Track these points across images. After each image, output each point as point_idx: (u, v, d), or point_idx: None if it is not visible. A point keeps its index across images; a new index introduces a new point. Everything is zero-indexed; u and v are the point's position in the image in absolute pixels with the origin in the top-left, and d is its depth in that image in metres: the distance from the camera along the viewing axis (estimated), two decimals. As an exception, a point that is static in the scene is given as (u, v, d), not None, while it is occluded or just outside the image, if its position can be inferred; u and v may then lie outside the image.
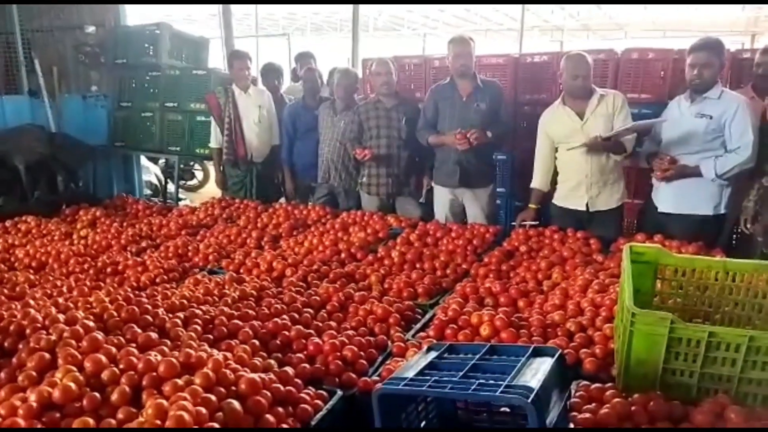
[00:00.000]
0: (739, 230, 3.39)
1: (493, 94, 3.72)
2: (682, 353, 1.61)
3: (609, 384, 1.74)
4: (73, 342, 1.69)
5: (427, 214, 3.99)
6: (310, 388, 1.73)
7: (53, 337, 1.72)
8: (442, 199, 3.92)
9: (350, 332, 2.14)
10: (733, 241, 3.63)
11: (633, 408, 1.57)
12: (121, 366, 1.59)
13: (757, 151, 3.03)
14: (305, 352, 2.00)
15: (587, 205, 3.41)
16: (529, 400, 1.24)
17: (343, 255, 3.12)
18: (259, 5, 12.75)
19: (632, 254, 1.91)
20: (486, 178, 3.85)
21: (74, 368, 1.55)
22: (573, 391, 1.70)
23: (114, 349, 1.66)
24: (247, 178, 4.66)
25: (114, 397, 1.49)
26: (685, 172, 3.12)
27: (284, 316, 2.20)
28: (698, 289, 1.95)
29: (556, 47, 15.77)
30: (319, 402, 1.67)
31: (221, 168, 4.76)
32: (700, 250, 2.79)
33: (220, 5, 7.04)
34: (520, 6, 10.40)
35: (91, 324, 1.83)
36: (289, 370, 1.78)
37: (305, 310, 2.31)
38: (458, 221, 3.80)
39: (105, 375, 1.55)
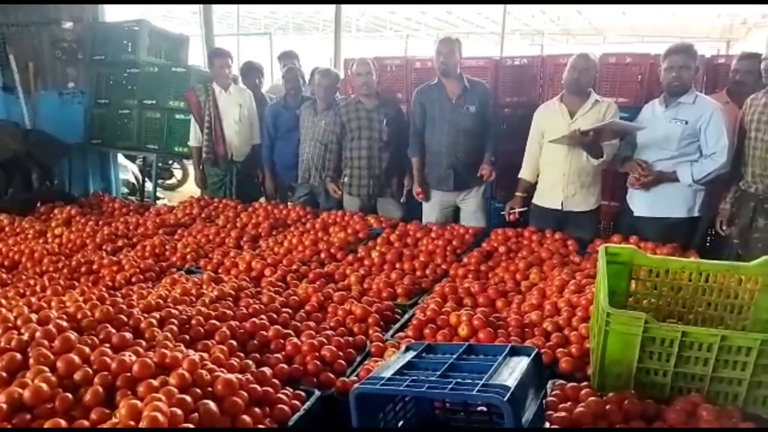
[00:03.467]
0: (714, 232, 3.47)
1: (481, 95, 3.73)
2: (656, 353, 1.63)
3: (584, 383, 1.76)
4: (46, 342, 1.66)
5: (408, 215, 3.99)
6: (287, 388, 1.72)
7: (25, 337, 1.68)
8: (434, 202, 3.90)
9: (329, 332, 2.13)
10: (708, 243, 3.71)
11: (608, 407, 1.59)
12: (94, 366, 1.56)
13: (732, 155, 3.10)
14: (283, 353, 1.99)
15: (562, 203, 3.45)
16: (506, 399, 1.25)
17: (322, 255, 3.11)
18: (240, 4, 12.67)
19: (607, 255, 1.94)
20: (478, 178, 3.84)
21: (46, 369, 1.52)
22: (549, 390, 1.72)
23: (87, 350, 1.63)
24: (227, 177, 4.62)
25: (87, 397, 1.46)
26: (663, 178, 3.17)
27: (262, 316, 2.18)
28: (672, 290, 1.98)
29: (536, 51, 15.92)
30: (296, 402, 1.66)
31: (201, 167, 4.71)
32: (674, 251, 2.83)
33: (201, 3, 6.98)
34: (501, 9, 10.49)
35: (65, 324, 1.80)
36: (267, 370, 1.76)
37: (284, 310, 2.30)
38: (450, 223, 3.78)
39: (78, 375, 1.53)
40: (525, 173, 3.61)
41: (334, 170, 4.11)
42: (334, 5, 7.28)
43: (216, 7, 8.03)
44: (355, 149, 3.96)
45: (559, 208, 3.47)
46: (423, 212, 3.99)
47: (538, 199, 3.60)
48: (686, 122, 3.09)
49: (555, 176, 3.45)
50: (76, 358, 1.57)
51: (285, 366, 1.88)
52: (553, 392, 1.71)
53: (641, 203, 3.31)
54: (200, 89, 4.54)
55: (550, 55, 4.48)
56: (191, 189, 7.60)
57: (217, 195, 4.50)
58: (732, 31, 17.26)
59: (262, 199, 4.65)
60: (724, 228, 3.30)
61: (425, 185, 3.88)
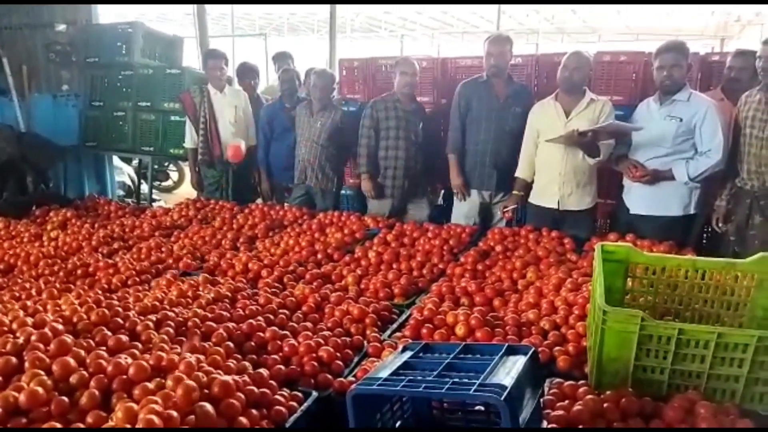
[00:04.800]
0: (710, 229, 3.48)
1: (526, 98, 3.75)
2: (653, 350, 1.64)
3: (582, 381, 1.76)
4: (41, 345, 1.65)
5: (437, 217, 4.02)
6: (285, 389, 1.72)
7: (20, 341, 1.67)
8: (471, 201, 3.87)
9: (326, 333, 2.13)
10: (704, 240, 3.72)
11: (605, 405, 1.59)
12: (90, 369, 1.55)
13: (728, 152, 3.11)
14: (280, 354, 1.98)
15: (558, 202, 3.45)
16: (502, 399, 1.25)
17: (319, 256, 3.10)
18: (235, 5, 12.66)
19: (604, 253, 1.94)
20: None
21: (42, 372, 1.51)
22: (546, 389, 1.72)
23: (83, 353, 1.62)
24: (222, 178, 4.62)
25: (83, 401, 1.46)
26: (659, 176, 3.18)
27: (259, 318, 2.18)
28: (669, 287, 1.98)
29: (531, 50, 15.95)
30: (294, 403, 1.66)
31: (196, 168, 4.70)
32: (671, 249, 2.84)
33: (195, 4, 6.96)
34: (496, 9, 10.50)
35: (60, 327, 1.78)
36: (264, 371, 1.76)
37: (281, 311, 2.29)
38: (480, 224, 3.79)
39: (74, 379, 1.52)
40: (522, 172, 3.61)
41: (371, 166, 3.99)
42: (329, 6, 7.27)
43: (210, 9, 8.02)
44: (391, 149, 3.94)
45: (556, 207, 3.48)
46: (454, 212, 3.97)
47: (534, 198, 3.60)
48: (681, 120, 3.09)
49: (551, 175, 3.46)
50: (72, 362, 1.56)
51: (282, 367, 1.88)
52: (551, 391, 1.71)
53: (637, 201, 3.32)
54: (195, 90, 4.53)
55: (544, 54, 4.48)
56: (188, 191, 7.58)
57: (213, 196, 4.49)
58: (726, 29, 17.34)
59: (259, 201, 4.64)
60: (720, 225, 3.31)
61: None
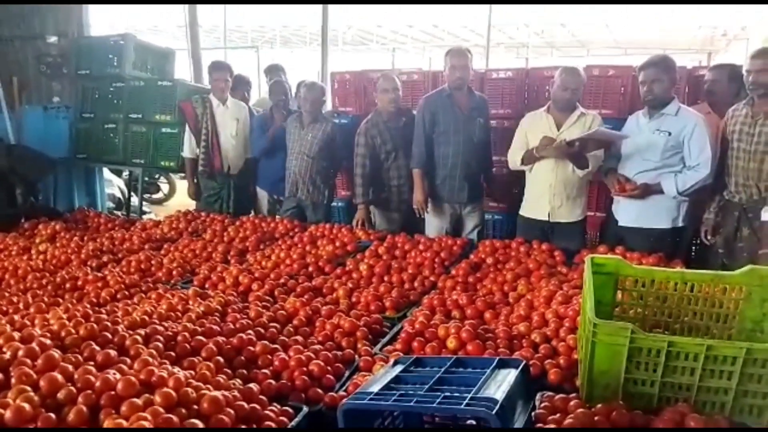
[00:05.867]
0: (699, 242, 3.51)
1: (484, 107, 3.81)
2: (643, 363, 1.64)
3: (573, 395, 1.76)
4: (28, 360, 1.63)
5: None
6: (275, 404, 1.70)
7: (7, 356, 1.65)
8: (443, 214, 3.88)
9: (317, 347, 2.12)
10: (693, 253, 3.75)
11: (596, 418, 1.58)
12: (78, 385, 1.54)
13: (716, 166, 3.14)
14: (271, 368, 1.97)
15: (549, 215, 3.47)
16: (494, 413, 1.25)
17: (310, 268, 3.09)
18: (227, 17, 12.70)
19: (594, 266, 1.94)
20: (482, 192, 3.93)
21: (28, 388, 1.49)
22: (538, 402, 1.71)
23: (71, 368, 1.60)
24: (223, 190, 4.62)
25: (70, 417, 1.44)
26: (649, 190, 3.21)
27: (249, 332, 2.16)
28: (658, 300, 1.99)
29: (521, 63, 16.12)
30: (284, 419, 1.64)
31: (194, 179, 4.67)
32: (660, 261, 2.85)
33: (187, 15, 6.98)
34: (486, 23, 10.61)
35: (48, 342, 1.77)
36: (254, 386, 1.74)
37: (271, 324, 2.28)
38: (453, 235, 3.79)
39: (61, 394, 1.50)
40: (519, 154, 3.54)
41: (367, 196, 3.93)
42: (321, 18, 7.31)
43: (202, 21, 8.02)
44: (393, 169, 3.97)
45: (546, 219, 3.50)
46: (427, 225, 3.96)
47: (525, 211, 3.63)
48: (669, 133, 3.13)
49: (542, 188, 3.48)
50: (60, 377, 1.54)
51: (272, 382, 1.86)
52: (542, 404, 1.71)
53: (627, 214, 3.34)
54: (197, 101, 4.52)
55: (534, 68, 4.54)
56: (178, 203, 7.57)
57: (211, 208, 4.47)
58: (713, 43, 17.59)
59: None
60: (708, 238, 3.33)
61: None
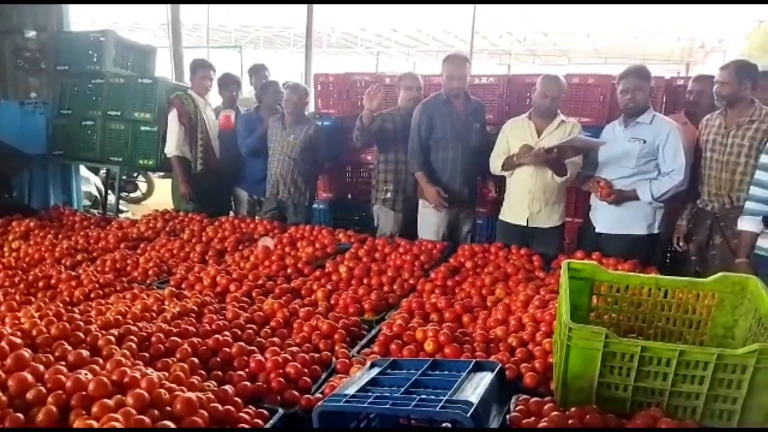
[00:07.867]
0: (673, 249, 3.57)
1: (480, 112, 3.83)
2: (617, 367, 1.65)
3: (548, 398, 1.77)
4: (-3, 360, 1.60)
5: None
6: (250, 406, 1.69)
7: (-26, 355, 1.62)
8: (441, 218, 3.84)
9: (294, 349, 2.10)
10: (667, 260, 3.81)
11: (570, 421, 1.60)
12: (48, 385, 1.51)
13: (690, 174, 3.20)
14: (247, 370, 1.95)
15: (527, 220, 3.51)
16: (468, 415, 1.25)
17: (289, 270, 3.08)
18: (210, 16, 12.60)
19: (570, 270, 1.96)
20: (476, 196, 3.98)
21: (-4, 388, 1.46)
22: (513, 405, 1.72)
23: (41, 368, 1.57)
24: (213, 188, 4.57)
25: (39, 418, 1.41)
26: (624, 196, 3.25)
27: (226, 333, 2.14)
28: (632, 305, 2.02)
29: (503, 70, 16.28)
30: (259, 421, 1.63)
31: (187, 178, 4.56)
32: (635, 267, 2.89)
33: (170, 13, 6.92)
34: (469, 29, 10.70)
35: (18, 341, 1.73)
36: (229, 388, 1.73)
37: (248, 326, 2.26)
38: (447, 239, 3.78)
39: (30, 395, 1.47)
40: (501, 159, 3.56)
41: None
42: (305, 20, 7.31)
43: (185, 19, 7.96)
44: (401, 162, 3.96)
45: (525, 224, 3.53)
46: (422, 227, 3.90)
47: (504, 215, 3.66)
48: (644, 141, 3.18)
49: (521, 193, 3.51)
50: (29, 377, 1.51)
51: (248, 383, 1.85)
52: (517, 407, 1.72)
53: (603, 220, 3.39)
54: (187, 99, 4.44)
55: (516, 75, 4.58)
56: (157, 202, 7.48)
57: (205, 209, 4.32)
58: (691, 54, 17.95)
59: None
60: (681, 244, 3.39)
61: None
